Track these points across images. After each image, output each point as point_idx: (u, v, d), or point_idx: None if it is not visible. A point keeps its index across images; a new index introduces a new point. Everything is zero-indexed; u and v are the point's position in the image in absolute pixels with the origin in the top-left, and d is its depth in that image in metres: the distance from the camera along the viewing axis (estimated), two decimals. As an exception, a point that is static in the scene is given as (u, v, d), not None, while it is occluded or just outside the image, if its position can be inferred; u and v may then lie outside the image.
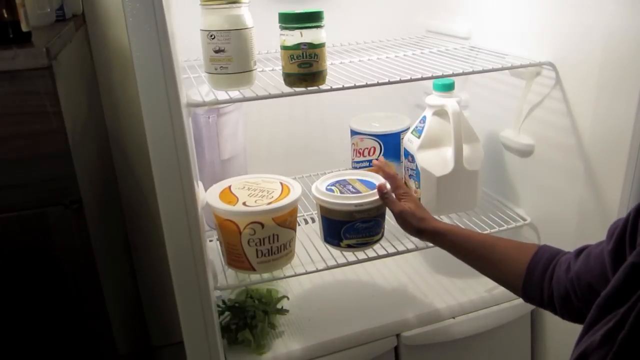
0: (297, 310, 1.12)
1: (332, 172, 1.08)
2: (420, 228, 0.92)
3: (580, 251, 0.73)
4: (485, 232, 1.11)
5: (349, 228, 0.98)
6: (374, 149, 1.21)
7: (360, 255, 1.05)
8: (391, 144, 1.21)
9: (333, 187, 1.01)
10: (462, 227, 0.92)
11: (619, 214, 0.93)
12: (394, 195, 0.97)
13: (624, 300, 0.53)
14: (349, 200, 0.97)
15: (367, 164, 1.22)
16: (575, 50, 0.96)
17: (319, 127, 1.41)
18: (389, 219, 1.19)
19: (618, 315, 0.53)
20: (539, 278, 0.77)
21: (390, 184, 0.98)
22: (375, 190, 0.98)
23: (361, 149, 1.23)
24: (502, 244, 0.84)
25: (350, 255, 1.05)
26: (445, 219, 1.19)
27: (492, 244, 0.84)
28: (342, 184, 1.02)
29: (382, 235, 1.04)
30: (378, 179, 1.02)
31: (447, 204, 1.12)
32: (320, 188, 1.01)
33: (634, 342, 0.51)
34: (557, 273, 0.75)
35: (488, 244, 0.85)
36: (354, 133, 1.24)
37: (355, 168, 1.25)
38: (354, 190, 0.99)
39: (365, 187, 1.01)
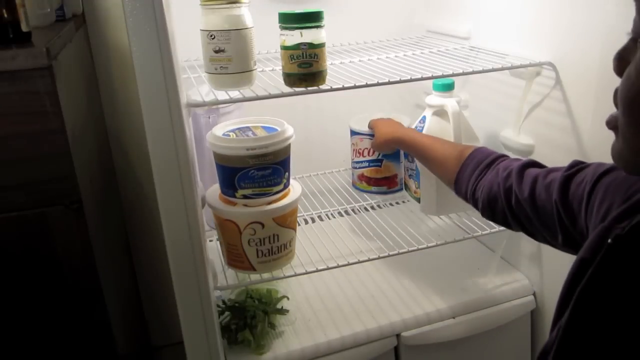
0: (297, 310, 1.12)
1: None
2: (391, 142, 1.11)
3: (524, 166, 0.79)
4: (486, 232, 1.12)
5: (243, 176, 0.90)
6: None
7: (360, 255, 1.05)
8: None
9: (231, 133, 0.94)
10: (419, 132, 1.08)
11: (619, 214, 0.93)
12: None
13: (574, 295, 0.55)
14: (241, 143, 0.89)
15: (367, 164, 1.22)
16: (575, 50, 0.96)
17: (319, 127, 1.41)
18: (390, 220, 1.19)
19: (568, 310, 0.55)
20: (469, 174, 0.88)
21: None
22: (273, 134, 0.92)
23: (360, 149, 1.22)
24: (442, 145, 0.99)
25: (350, 256, 1.05)
26: (446, 219, 1.19)
27: (433, 145, 0.99)
28: (243, 130, 0.95)
29: (285, 186, 0.96)
30: (282, 125, 0.96)
31: (447, 204, 1.12)
32: (217, 133, 0.93)
33: (575, 329, 0.53)
34: (492, 175, 0.83)
35: (429, 145, 1.00)
36: (353, 133, 1.24)
37: (355, 168, 1.25)
38: (253, 136, 0.92)
39: (266, 133, 0.94)
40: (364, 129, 1.21)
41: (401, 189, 1.26)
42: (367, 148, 1.21)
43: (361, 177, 1.24)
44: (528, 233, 0.80)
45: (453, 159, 0.93)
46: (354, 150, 1.25)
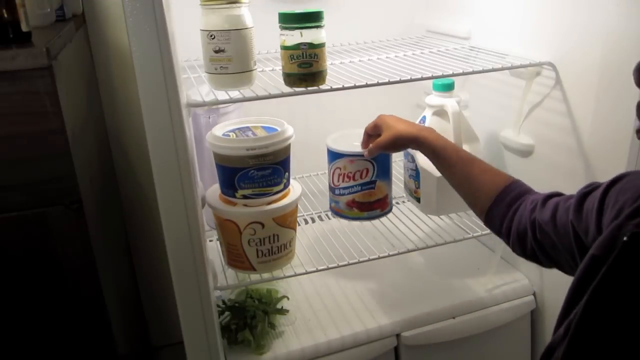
0: (297, 310, 1.12)
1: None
2: (409, 140, 0.94)
3: (549, 197, 0.77)
4: (486, 232, 1.11)
5: (243, 176, 0.90)
6: (367, 170, 1.05)
7: (361, 255, 1.05)
8: (381, 161, 1.06)
9: (231, 133, 0.93)
10: (443, 137, 0.93)
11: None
12: (376, 140, 0.98)
13: (585, 292, 0.54)
14: (241, 143, 0.89)
15: (359, 187, 1.06)
16: (575, 50, 0.96)
17: (318, 127, 1.41)
18: (390, 220, 1.19)
19: (580, 307, 0.54)
20: (504, 209, 0.81)
21: (374, 136, 1.00)
22: (273, 134, 0.91)
23: (350, 172, 1.05)
24: (480, 165, 0.87)
25: (350, 256, 1.05)
26: (446, 219, 1.19)
27: (471, 163, 0.87)
28: (243, 130, 0.94)
29: (285, 186, 0.95)
30: (282, 125, 0.95)
31: (447, 204, 1.11)
32: (217, 133, 0.92)
33: (588, 326, 0.53)
34: (521, 210, 0.79)
35: (467, 161, 0.88)
36: (339, 156, 1.06)
37: (342, 195, 1.08)
38: (253, 136, 0.91)
39: (266, 133, 0.93)
40: (353, 149, 1.05)
41: (390, 210, 1.14)
42: (358, 170, 1.05)
43: (351, 204, 1.08)
44: (554, 262, 0.76)
45: (486, 184, 0.85)
46: (340, 175, 1.07)
